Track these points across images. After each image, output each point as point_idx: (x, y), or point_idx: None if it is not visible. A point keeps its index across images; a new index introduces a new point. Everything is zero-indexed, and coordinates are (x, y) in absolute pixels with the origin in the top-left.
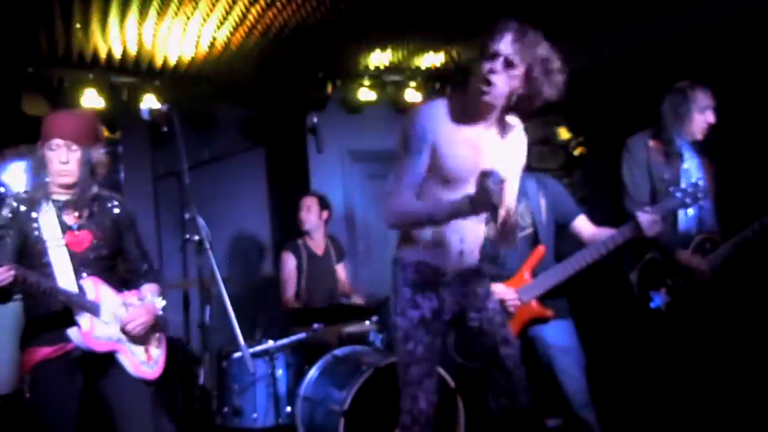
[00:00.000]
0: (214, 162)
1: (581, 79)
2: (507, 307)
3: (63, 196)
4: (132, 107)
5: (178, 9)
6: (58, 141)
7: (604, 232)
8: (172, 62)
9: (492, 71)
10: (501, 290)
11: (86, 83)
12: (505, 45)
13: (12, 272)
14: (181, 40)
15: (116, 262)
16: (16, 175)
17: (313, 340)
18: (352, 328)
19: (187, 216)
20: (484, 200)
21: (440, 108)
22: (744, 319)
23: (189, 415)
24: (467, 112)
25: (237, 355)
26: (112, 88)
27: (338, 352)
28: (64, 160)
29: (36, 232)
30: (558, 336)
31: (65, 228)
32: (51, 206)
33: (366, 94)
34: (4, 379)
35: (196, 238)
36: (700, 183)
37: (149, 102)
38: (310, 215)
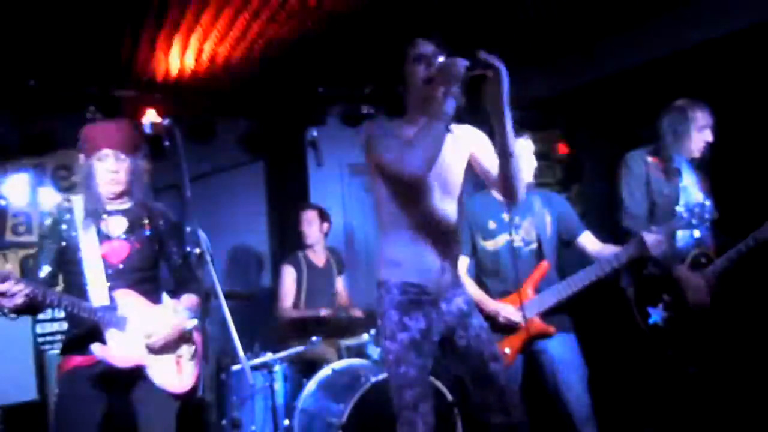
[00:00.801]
0: (213, 175)
1: (580, 95)
2: (509, 323)
3: (108, 207)
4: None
5: (179, 23)
6: (106, 151)
7: (609, 249)
8: (172, 76)
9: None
10: (503, 307)
11: (86, 97)
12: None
13: (22, 296)
14: (181, 54)
15: (155, 273)
16: (17, 188)
17: (311, 353)
18: (350, 341)
19: (188, 229)
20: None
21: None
22: (741, 332)
23: (187, 427)
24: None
25: (236, 367)
26: (111, 102)
27: (336, 365)
28: (114, 169)
29: (75, 242)
30: (561, 350)
31: (104, 238)
32: (93, 216)
33: (366, 107)
34: (26, 385)
35: (197, 250)
36: (707, 204)
37: (150, 116)
38: (312, 229)
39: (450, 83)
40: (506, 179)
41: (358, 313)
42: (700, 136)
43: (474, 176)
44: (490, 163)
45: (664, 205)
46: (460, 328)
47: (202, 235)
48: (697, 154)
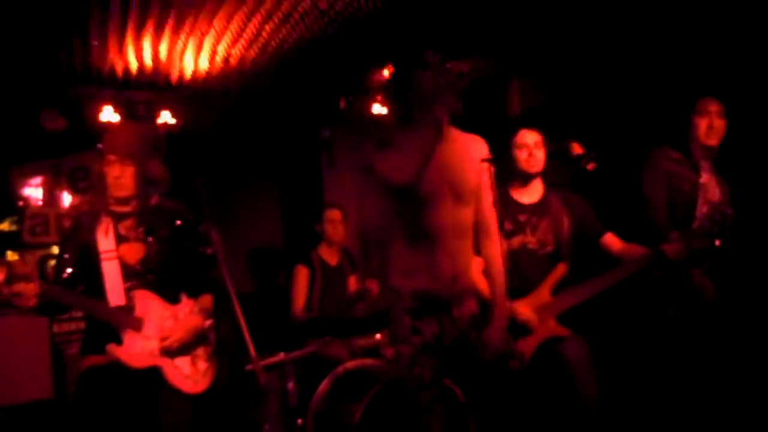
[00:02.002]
0: (228, 175)
1: (595, 94)
2: (525, 325)
3: (121, 209)
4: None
5: (193, 25)
6: (111, 157)
7: (635, 249)
8: (187, 78)
9: None
10: (519, 309)
11: (103, 99)
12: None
13: (38, 297)
14: (196, 56)
15: (171, 274)
16: (35, 190)
17: (324, 353)
18: (363, 341)
19: (201, 229)
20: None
21: None
22: (752, 334)
23: (202, 427)
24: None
25: (249, 367)
26: (128, 104)
27: (349, 365)
28: (117, 175)
29: (93, 244)
30: (572, 351)
31: (121, 240)
32: (109, 218)
33: (378, 108)
34: (43, 384)
35: (210, 250)
36: (728, 212)
37: (165, 117)
38: (336, 228)
39: (445, 92)
40: None
41: (373, 285)
42: (716, 129)
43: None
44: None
45: (682, 202)
46: (472, 331)
47: (215, 235)
48: (714, 148)
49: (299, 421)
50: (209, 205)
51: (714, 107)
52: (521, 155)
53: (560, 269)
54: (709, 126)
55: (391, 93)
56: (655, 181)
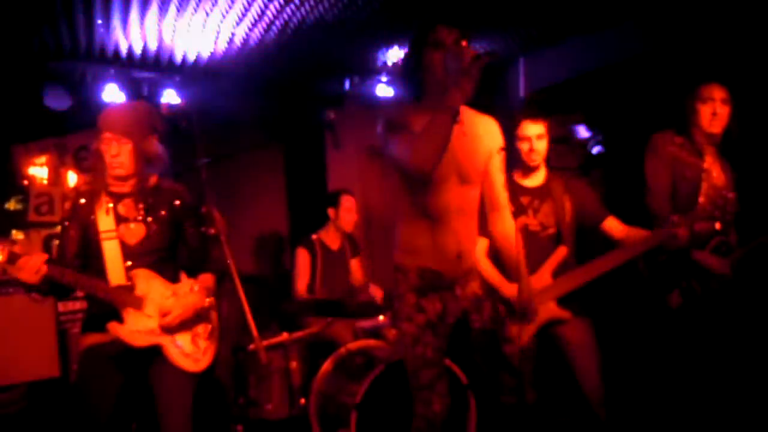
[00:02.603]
0: (233, 157)
1: (601, 78)
2: (525, 308)
3: (121, 189)
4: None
5: (198, 5)
6: (107, 135)
7: (636, 233)
8: (191, 58)
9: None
10: (515, 290)
11: (107, 78)
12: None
13: (42, 272)
14: (200, 35)
15: (172, 254)
16: (39, 169)
17: (327, 333)
18: (365, 323)
19: (203, 209)
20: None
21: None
22: (757, 322)
23: (204, 405)
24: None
25: (252, 347)
26: (132, 83)
27: (352, 346)
28: (115, 153)
29: (93, 225)
30: (576, 334)
31: (120, 220)
32: (109, 198)
33: (384, 89)
34: (49, 362)
35: (212, 231)
36: (730, 197)
37: (169, 97)
38: (350, 215)
39: (459, 73)
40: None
41: (377, 291)
42: (720, 115)
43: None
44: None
45: (685, 187)
46: (475, 312)
47: (217, 215)
48: (718, 135)
49: (302, 400)
50: (213, 187)
51: (718, 94)
52: (523, 147)
53: (561, 251)
54: (713, 113)
55: (402, 74)
56: (659, 166)
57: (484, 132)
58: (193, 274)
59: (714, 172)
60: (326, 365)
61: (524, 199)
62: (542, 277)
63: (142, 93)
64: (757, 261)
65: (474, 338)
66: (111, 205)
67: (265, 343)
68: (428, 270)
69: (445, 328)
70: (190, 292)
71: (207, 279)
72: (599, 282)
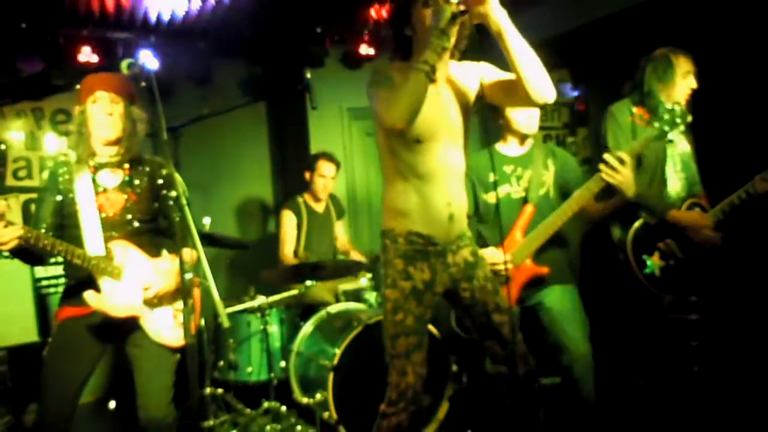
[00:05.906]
0: (213, 118)
1: (586, 35)
2: (502, 271)
3: (103, 158)
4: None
5: None
6: (101, 93)
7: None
8: (166, 17)
9: None
10: (493, 255)
11: (81, 40)
12: None
13: (16, 234)
14: None
15: (153, 226)
16: (16, 133)
17: (309, 296)
18: (347, 285)
19: (164, 171)
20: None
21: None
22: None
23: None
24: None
25: (230, 310)
26: (106, 45)
27: (332, 308)
28: (108, 111)
29: (71, 194)
30: (560, 302)
31: (99, 190)
32: (89, 167)
33: (366, 49)
34: (28, 327)
35: (173, 193)
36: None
37: (145, 57)
38: (327, 184)
39: (434, 28)
40: (530, 79)
41: (359, 257)
42: (684, 82)
43: (482, 133)
44: (505, 78)
45: (649, 156)
46: (465, 280)
47: (178, 177)
48: (682, 102)
49: (282, 363)
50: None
51: (687, 65)
52: (520, 117)
53: (528, 210)
54: (682, 83)
55: (389, 31)
56: (617, 136)
57: (464, 79)
58: (173, 248)
59: (677, 138)
60: (306, 328)
61: (507, 168)
62: (514, 239)
63: (116, 54)
64: (734, 221)
65: (465, 307)
66: (91, 174)
67: (240, 307)
68: (418, 234)
69: (431, 296)
70: (171, 266)
71: (190, 253)
72: (582, 253)
